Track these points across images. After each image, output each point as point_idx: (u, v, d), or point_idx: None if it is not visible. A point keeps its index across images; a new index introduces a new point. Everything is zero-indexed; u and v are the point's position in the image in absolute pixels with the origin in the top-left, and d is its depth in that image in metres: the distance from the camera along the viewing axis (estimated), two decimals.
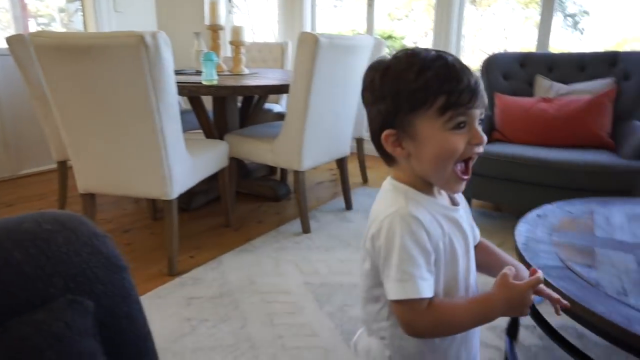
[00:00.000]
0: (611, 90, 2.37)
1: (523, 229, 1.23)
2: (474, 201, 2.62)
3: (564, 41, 3.69)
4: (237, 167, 2.88)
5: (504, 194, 2.35)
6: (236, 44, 2.74)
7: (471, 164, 0.67)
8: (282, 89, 2.25)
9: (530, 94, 2.72)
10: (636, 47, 2.97)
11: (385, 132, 0.67)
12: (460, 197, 0.76)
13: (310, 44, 1.98)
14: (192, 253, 2.16)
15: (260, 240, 2.29)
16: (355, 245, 2.22)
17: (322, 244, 2.24)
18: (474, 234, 0.78)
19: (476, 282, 0.77)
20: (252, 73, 2.89)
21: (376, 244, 0.68)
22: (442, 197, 0.73)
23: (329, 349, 1.49)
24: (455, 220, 0.70)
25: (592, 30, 3.76)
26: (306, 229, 2.37)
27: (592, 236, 1.21)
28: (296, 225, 2.44)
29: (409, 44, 3.84)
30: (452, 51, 3.51)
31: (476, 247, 0.78)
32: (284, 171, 3.18)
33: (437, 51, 0.66)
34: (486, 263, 0.79)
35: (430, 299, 0.65)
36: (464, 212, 0.74)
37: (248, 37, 4.37)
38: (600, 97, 2.31)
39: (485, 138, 0.65)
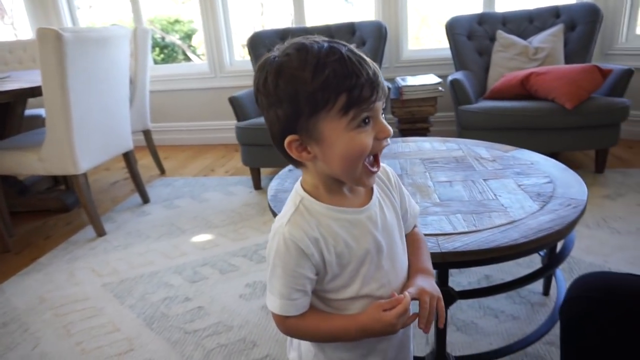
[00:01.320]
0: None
1: (274, 184, 1.44)
2: None
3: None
4: (7, 184, 2.57)
5: (280, 159, 2.63)
6: None
7: (380, 155, 0.64)
8: (34, 91, 2.08)
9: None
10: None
11: (288, 139, 0.62)
12: (382, 185, 0.74)
13: (52, 41, 1.87)
14: None
15: (50, 256, 2.14)
16: (154, 236, 2.25)
17: (119, 243, 2.20)
18: (405, 219, 0.77)
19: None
20: (3, 77, 2.57)
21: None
22: (354, 195, 0.69)
23: (133, 336, 1.53)
24: (359, 222, 0.67)
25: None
26: (100, 232, 2.29)
27: None
28: (90, 231, 2.33)
29: (199, 26, 3.83)
30: None
31: (407, 235, 0.78)
32: (69, 178, 2.94)
33: (329, 41, 0.60)
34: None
35: (298, 314, 0.66)
36: (379, 207, 0.70)
37: (1, 35, 3.81)
38: None
39: (391, 130, 0.62)
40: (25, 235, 2.39)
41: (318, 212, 0.65)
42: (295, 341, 0.80)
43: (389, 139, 0.63)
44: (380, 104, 0.61)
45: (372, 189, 0.71)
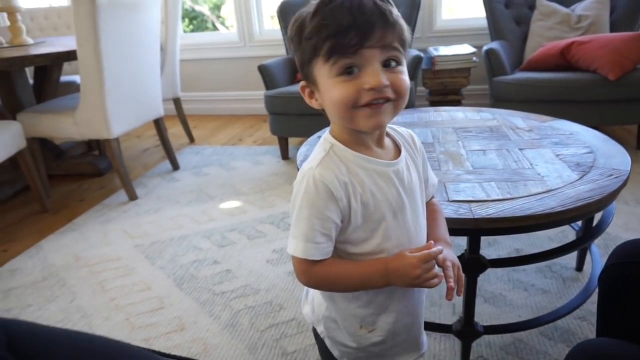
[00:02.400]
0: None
1: (303, 150, 1.44)
2: None
3: None
4: (44, 147, 2.66)
5: (309, 128, 2.61)
6: (8, 10, 2.45)
7: (384, 105, 0.60)
8: (70, 55, 2.11)
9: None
10: None
11: (301, 85, 0.65)
12: (409, 147, 0.72)
13: (86, 5, 1.88)
14: (5, 247, 2.00)
15: (84, 217, 2.21)
16: (183, 202, 2.29)
17: (150, 207, 2.26)
18: (425, 187, 0.75)
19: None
20: (38, 42, 2.62)
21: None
22: (382, 150, 0.68)
23: (164, 295, 1.58)
24: (386, 174, 0.65)
25: None
26: (132, 196, 2.34)
27: None
28: (122, 195, 2.39)
29: None
30: None
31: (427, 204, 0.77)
32: (103, 144, 3.01)
33: None
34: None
35: (321, 260, 0.65)
36: (406, 165, 0.69)
37: (36, 2, 3.88)
38: None
39: (382, 81, 0.58)
40: (61, 197, 2.48)
41: (347, 159, 0.64)
42: (310, 295, 0.80)
43: (385, 90, 0.59)
44: (374, 52, 0.58)
45: (399, 147, 0.70)
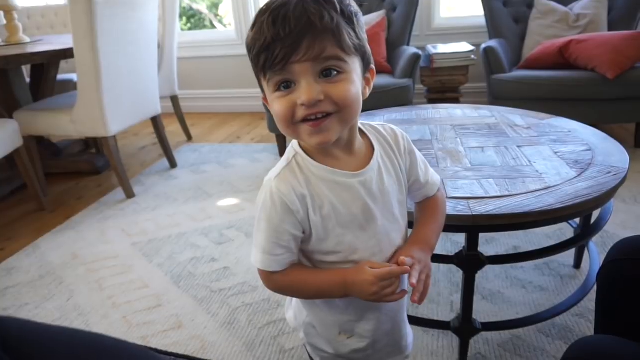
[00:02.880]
0: (382, 20, 2.73)
1: None
2: None
3: None
4: (42, 146, 2.65)
5: None
6: (5, 8, 2.43)
7: (325, 121, 0.56)
8: (67, 53, 2.11)
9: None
10: None
11: (262, 98, 0.63)
12: (389, 149, 0.68)
13: (83, 3, 1.87)
14: (2, 245, 1.99)
15: (82, 215, 2.20)
16: (181, 200, 2.28)
17: (148, 205, 2.25)
18: (419, 187, 0.73)
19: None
20: (35, 41, 2.61)
21: None
22: (351, 157, 0.64)
23: (161, 293, 1.57)
24: (350, 186, 0.62)
25: None
26: (130, 194, 2.34)
27: None
28: (120, 193, 2.38)
29: None
30: None
31: (421, 203, 0.75)
32: (100, 142, 3.00)
33: None
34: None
35: (283, 270, 0.64)
36: (378, 171, 0.65)
37: (33, 0, 3.85)
38: (373, 27, 2.66)
39: (314, 95, 0.54)
40: (58, 196, 2.47)
41: (309, 170, 0.62)
42: (293, 301, 0.79)
43: (314, 106, 0.55)
44: (305, 66, 0.54)
45: (373, 151, 0.66)
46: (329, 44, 0.54)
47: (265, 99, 0.63)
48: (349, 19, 0.56)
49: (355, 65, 0.58)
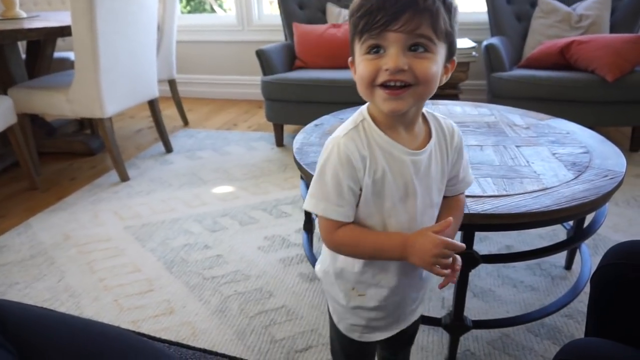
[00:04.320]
0: None
1: (300, 137, 1.42)
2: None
3: None
4: (36, 124, 2.62)
5: (305, 116, 2.59)
6: None
7: (402, 91, 0.61)
8: (64, 31, 2.07)
9: (324, 21, 2.95)
10: None
11: (349, 60, 0.68)
12: (443, 140, 0.72)
13: None
14: None
15: (75, 196, 2.18)
16: (176, 185, 2.27)
17: (142, 189, 2.24)
18: (455, 183, 0.77)
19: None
20: (32, 17, 2.56)
21: None
22: (410, 135, 0.68)
23: (153, 278, 1.57)
24: (402, 162, 0.66)
25: None
26: (124, 177, 2.32)
27: None
28: (114, 175, 2.37)
29: None
30: None
31: (448, 199, 0.78)
32: (95, 123, 2.97)
33: None
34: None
35: (345, 222, 0.68)
36: (428, 157, 0.69)
37: None
38: None
39: (399, 64, 0.59)
40: (51, 175, 2.45)
41: (372, 137, 0.66)
42: (322, 253, 0.83)
43: (397, 73, 0.60)
44: (399, 36, 0.59)
45: (429, 137, 0.70)
46: (425, 23, 0.59)
47: (352, 62, 0.67)
48: (448, 8, 0.61)
49: (441, 50, 0.62)
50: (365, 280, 0.75)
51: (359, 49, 0.63)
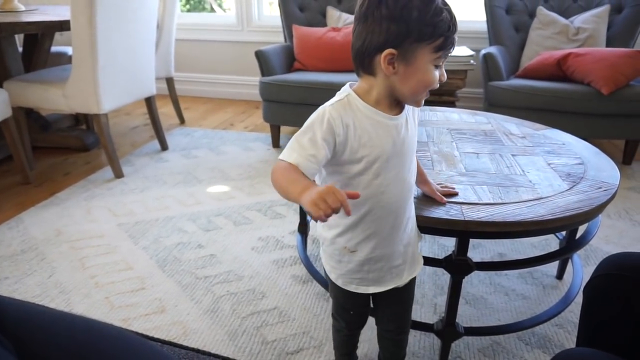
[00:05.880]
0: None
1: None
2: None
3: None
4: (31, 118, 2.60)
5: (302, 118, 2.60)
6: None
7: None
8: (63, 25, 2.06)
9: (323, 24, 2.96)
10: None
11: (388, 51, 0.73)
12: (411, 110, 0.86)
13: None
14: None
15: (68, 192, 2.17)
16: (170, 183, 2.26)
17: (136, 186, 2.23)
18: (415, 142, 0.89)
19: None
20: (30, 10, 2.55)
21: None
22: (390, 110, 0.81)
23: (145, 276, 1.56)
24: (386, 125, 0.79)
25: None
26: (119, 174, 2.31)
27: None
28: (108, 172, 2.35)
29: None
30: None
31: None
32: (90, 119, 2.96)
33: None
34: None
35: (291, 163, 0.73)
36: (404, 123, 0.82)
37: None
38: None
39: (446, 77, 0.79)
40: (45, 170, 2.43)
41: (357, 108, 0.78)
42: (320, 224, 0.90)
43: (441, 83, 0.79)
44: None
45: (402, 109, 0.83)
46: None
47: (392, 59, 0.74)
48: None
49: None
50: (356, 238, 0.86)
51: (427, 57, 0.74)
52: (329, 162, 0.79)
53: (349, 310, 1.01)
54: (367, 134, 0.78)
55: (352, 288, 0.93)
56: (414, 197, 1.05)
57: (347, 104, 0.78)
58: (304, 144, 0.75)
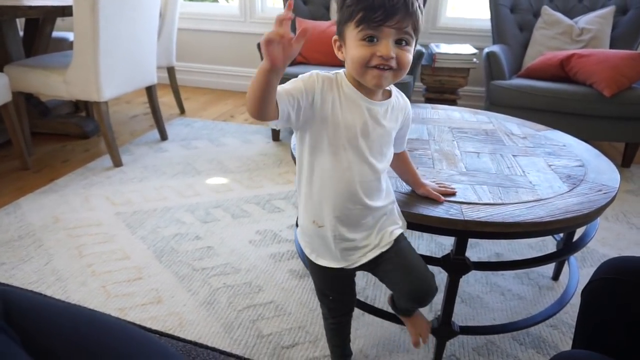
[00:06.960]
0: None
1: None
2: None
3: None
4: (31, 104, 2.58)
5: None
6: None
7: (387, 72, 0.78)
8: (65, 10, 2.04)
9: (327, 17, 2.94)
10: None
11: (334, 37, 0.84)
12: (398, 109, 0.90)
13: None
14: None
15: (66, 179, 2.16)
16: (169, 173, 2.26)
17: (135, 176, 2.22)
18: (400, 142, 0.98)
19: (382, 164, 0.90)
20: None
21: None
22: (372, 95, 0.85)
23: (142, 266, 1.56)
24: (361, 106, 0.84)
25: None
26: (117, 163, 2.30)
27: None
28: (107, 160, 2.34)
29: None
30: None
31: (400, 154, 1.01)
32: (90, 106, 2.94)
33: None
34: (403, 172, 1.06)
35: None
36: (384, 112, 0.87)
37: None
38: None
39: (390, 53, 0.76)
40: (44, 156, 2.42)
41: (341, 85, 0.84)
42: (299, 211, 0.97)
43: (389, 60, 0.77)
44: (392, 31, 0.76)
45: (387, 98, 0.88)
46: (410, 23, 0.77)
47: (339, 43, 0.83)
48: (421, 12, 0.79)
49: (413, 44, 0.81)
50: (321, 212, 0.90)
51: (354, 35, 0.78)
52: (303, 123, 0.83)
53: (328, 295, 1.05)
54: (341, 106, 0.83)
55: (325, 263, 0.96)
56: (414, 196, 1.05)
57: (335, 80, 0.84)
58: (288, 85, 0.80)
